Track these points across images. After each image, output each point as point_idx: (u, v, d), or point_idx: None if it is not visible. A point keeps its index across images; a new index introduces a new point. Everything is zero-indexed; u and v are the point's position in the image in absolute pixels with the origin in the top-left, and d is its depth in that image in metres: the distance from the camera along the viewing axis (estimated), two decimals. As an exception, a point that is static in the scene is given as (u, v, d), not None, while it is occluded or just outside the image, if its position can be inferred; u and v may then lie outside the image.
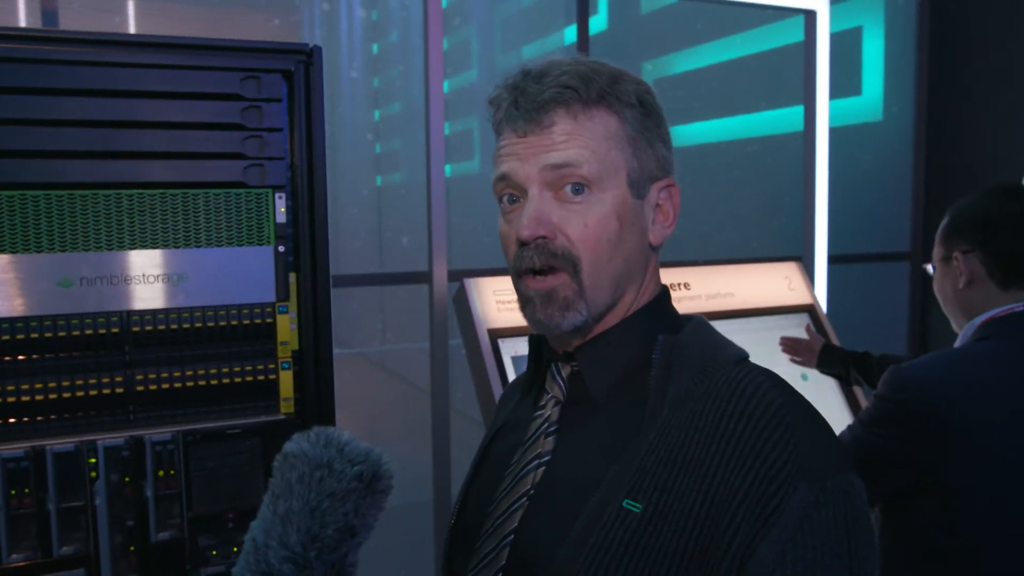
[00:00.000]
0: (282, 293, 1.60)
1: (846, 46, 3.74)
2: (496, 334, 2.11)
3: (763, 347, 2.36)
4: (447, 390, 2.58)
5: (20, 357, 1.43)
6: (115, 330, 1.49)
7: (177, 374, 1.53)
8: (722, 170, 4.45)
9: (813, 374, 2.33)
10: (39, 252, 1.44)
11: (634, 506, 0.76)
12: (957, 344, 1.58)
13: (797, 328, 2.50)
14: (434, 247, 2.51)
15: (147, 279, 1.50)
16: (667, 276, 0.94)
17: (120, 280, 1.49)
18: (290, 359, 1.61)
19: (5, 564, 1.39)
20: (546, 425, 0.90)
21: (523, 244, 0.84)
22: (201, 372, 1.54)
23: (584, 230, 0.83)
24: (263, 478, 1.55)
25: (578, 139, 0.83)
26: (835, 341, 2.52)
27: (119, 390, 1.49)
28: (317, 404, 1.62)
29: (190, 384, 1.54)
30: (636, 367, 0.86)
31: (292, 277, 1.61)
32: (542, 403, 0.93)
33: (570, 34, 4.63)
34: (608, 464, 0.81)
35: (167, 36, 1.52)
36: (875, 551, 0.75)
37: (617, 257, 0.85)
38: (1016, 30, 3.19)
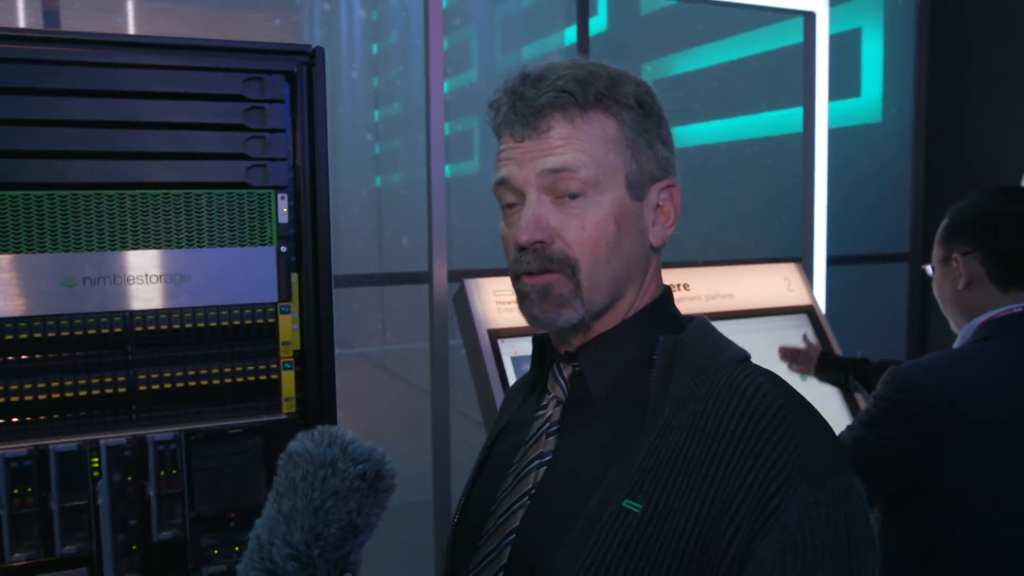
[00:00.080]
0: (284, 293, 1.61)
1: (845, 48, 3.75)
2: (496, 334, 2.12)
3: (762, 348, 2.36)
4: (447, 390, 2.59)
5: (23, 357, 1.43)
6: (118, 330, 1.49)
7: (179, 374, 1.53)
8: (722, 171, 4.45)
9: (812, 375, 2.34)
10: (42, 252, 1.44)
11: (634, 506, 0.76)
12: (956, 345, 1.59)
13: (796, 329, 2.51)
14: (434, 247, 2.52)
15: (150, 279, 1.51)
16: (667, 277, 0.94)
17: (123, 280, 1.49)
18: (292, 359, 1.62)
19: (8, 563, 1.39)
20: (547, 425, 0.90)
21: (522, 249, 0.85)
22: (203, 372, 1.55)
23: (581, 233, 0.84)
24: (265, 478, 1.55)
25: (575, 143, 0.83)
26: (834, 342, 2.53)
27: (121, 390, 1.50)
28: (319, 404, 1.63)
29: (192, 384, 1.54)
30: (637, 367, 0.86)
31: (294, 277, 1.62)
32: (544, 403, 0.93)
33: (570, 35, 4.64)
34: (609, 464, 0.81)
35: (171, 37, 1.53)
36: (875, 551, 0.76)
37: (615, 259, 0.85)
38: (1015, 31, 3.20)
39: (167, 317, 1.52)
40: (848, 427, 1.56)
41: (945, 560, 1.44)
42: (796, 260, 2.83)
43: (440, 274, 2.52)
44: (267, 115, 1.58)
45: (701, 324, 0.89)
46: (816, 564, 0.71)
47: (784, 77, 3.94)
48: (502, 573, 0.84)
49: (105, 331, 1.48)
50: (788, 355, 2.33)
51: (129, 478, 1.47)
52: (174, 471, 1.50)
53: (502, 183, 0.87)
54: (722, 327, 0.92)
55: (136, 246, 1.50)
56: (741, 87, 4.36)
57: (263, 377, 1.59)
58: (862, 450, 1.49)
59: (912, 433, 1.43)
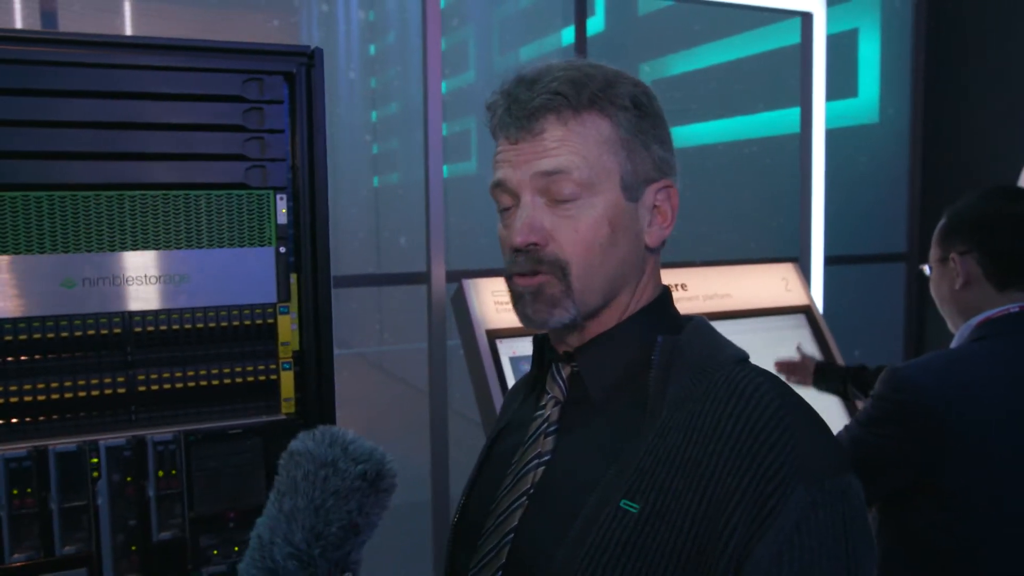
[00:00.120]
0: (283, 294, 1.61)
1: (843, 48, 3.75)
2: (494, 335, 2.12)
3: (760, 348, 2.36)
4: (445, 390, 2.59)
5: (23, 357, 1.43)
6: (117, 331, 1.49)
7: (179, 374, 1.53)
8: (719, 171, 4.46)
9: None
10: (42, 253, 1.44)
11: (631, 506, 0.76)
12: (953, 345, 1.59)
13: (794, 329, 2.51)
14: (432, 248, 2.52)
15: (149, 280, 1.51)
16: (665, 277, 0.95)
17: (122, 281, 1.50)
18: (291, 359, 1.62)
19: (7, 564, 1.39)
20: (546, 425, 0.90)
21: (517, 250, 0.85)
22: (203, 372, 1.55)
23: (575, 236, 0.84)
24: (264, 478, 1.55)
25: (569, 145, 0.83)
26: (831, 342, 2.53)
27: (121, 390, 1.50)
28: (318, 404, 1.63)
29: (192, 384, 1.54)
30: (636, 368, 0.87)
31: (293, 278, 1.62)
32: (543, 403, 0.93)
33: (567, 35, 4.65)
34: (607, 464, 0.81)
35: (170, 38, 1.53)
36: (873, 552, 0.76)
37: (609, 260, 0.86)
38: (1012, 32, 3.21)
39: (166, 318, 1.52)
40: (846, 427, 1.56)
41: (943, 560, 1.44)
42: (794, 260, 2.84)
43: (438, 274, 2.52)
44: (266, 116, 1.58)
45: (700, 324, 0.90)
46: (813, 565, 0.71)
47: (782, 77, 3.95)
48: (500, 572, 0.84)
49: (104, 332, 1.48)
50: (784, 368, 2.33)
51: (129, 478, 1.47)
52: (173, 471, 1.50)
53: (498, 185, 0.88)
54: (720, 327, 0.92)
55: (135, 247, 1.50)
56: (739, 87, 4.37)
57: (262, 377, 1.59)
58: (860, 450, 1.49)
59: (910, 433, 1.43)
